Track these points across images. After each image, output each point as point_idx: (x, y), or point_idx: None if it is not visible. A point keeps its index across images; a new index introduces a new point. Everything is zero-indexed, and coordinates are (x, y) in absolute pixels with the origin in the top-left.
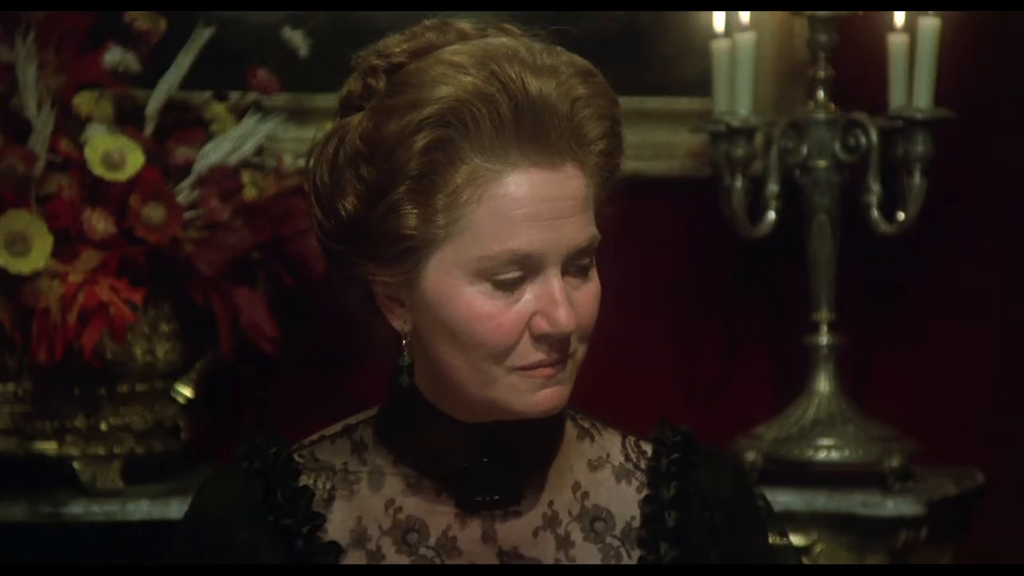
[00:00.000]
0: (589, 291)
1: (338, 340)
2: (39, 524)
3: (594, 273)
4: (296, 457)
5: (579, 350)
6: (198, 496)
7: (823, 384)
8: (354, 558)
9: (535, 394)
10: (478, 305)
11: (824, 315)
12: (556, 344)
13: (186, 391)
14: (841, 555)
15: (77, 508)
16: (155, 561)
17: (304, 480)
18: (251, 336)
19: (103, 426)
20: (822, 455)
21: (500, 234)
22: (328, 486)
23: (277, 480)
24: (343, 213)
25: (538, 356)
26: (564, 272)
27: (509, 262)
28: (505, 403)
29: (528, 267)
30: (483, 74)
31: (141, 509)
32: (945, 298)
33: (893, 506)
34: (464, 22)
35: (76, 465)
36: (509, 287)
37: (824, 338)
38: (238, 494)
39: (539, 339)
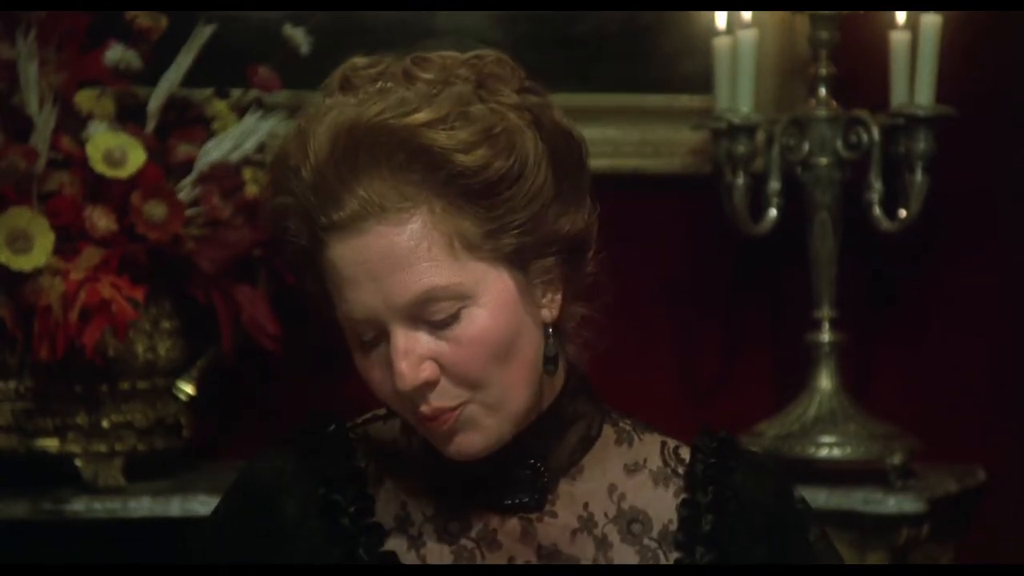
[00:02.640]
0: (458, 342)
1: (340, 337)
2: (41, 521)
3: (473, 318)
4: (351, 435)
5: (481, 396)
6: (251, 464)
7: (824, 381)
8: (396, 542)
9: (446, 442)
10: (356, 356)
11: (825, 312)
12: (418, 398)
13: (188, 388)
14: (843, 552)
15: (79, 505)
16: (184, 535)
17: (359, 460)
18: (253, 333)
19: (105, 423)
20: (823, 452)
21: (336, 298)
22: (379, 467)
23: (330, 457)
24: None
25: (418, 408)
26: (417, 326)
27: (351, 321)
28: (431, 441)
29: (374, 326)
30: (301, 142)
31: (143, 506)
32: (947, 295)
33: (895, 503)
34: (374, 67)
35: (78, 462)
36: (371, 344)
37: (825, 335)
38: (292, 465)
39: (400, 393)
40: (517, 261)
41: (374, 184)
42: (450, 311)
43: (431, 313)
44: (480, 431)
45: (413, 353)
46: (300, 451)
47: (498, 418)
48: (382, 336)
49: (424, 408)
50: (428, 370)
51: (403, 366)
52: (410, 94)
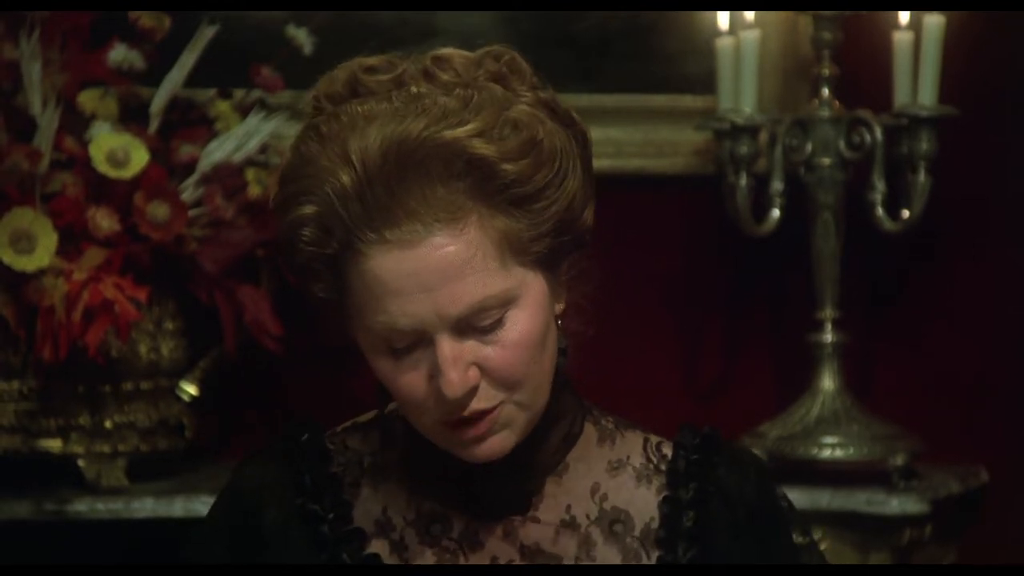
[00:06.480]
0: (503, 345)
1: (344, 340)
2: (43, 522)
3: (515, 321)
4: (328, 444)
5: (517, 396)
6: (235, 473)
7: (827, 382)
8: (378, 546)
9: (475, 445)
10: (381, 363)
11: (828, 313)
12: (460, 404)
13: (191, 389)
14: (845, 553)
15: (81, 506)
16: (176, 545)
17: (334, 467)
18: (255, 334)
19: (108, 424)
20: (826, 453)
21: (374, 308)
22: (356, 473)
23: (307, 465)
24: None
25: (454, 414)
26: (463, 333)
27: (391, 331)
28: (448, 447)
29: (415, 335)
30: (335, 149)
31: (145, 507)
32: (949, 296)
33: (897, 504)
34: (391, 71)
35: (81, 463)
36: (404, 352)
37: (828, 336)
38: (271, 475)
39: (440, 400)
40: (550, 260)
41: (427, 197)
42: (497, 317)
43: (479, 320)
44: (513, 431)
45: (461, 360)
46: (278, 460)
47: (528, 415)
48: (419, 343)
49: (462, 412)
50: (474, 375)
51: (453, 375)
52: (450, 102)
